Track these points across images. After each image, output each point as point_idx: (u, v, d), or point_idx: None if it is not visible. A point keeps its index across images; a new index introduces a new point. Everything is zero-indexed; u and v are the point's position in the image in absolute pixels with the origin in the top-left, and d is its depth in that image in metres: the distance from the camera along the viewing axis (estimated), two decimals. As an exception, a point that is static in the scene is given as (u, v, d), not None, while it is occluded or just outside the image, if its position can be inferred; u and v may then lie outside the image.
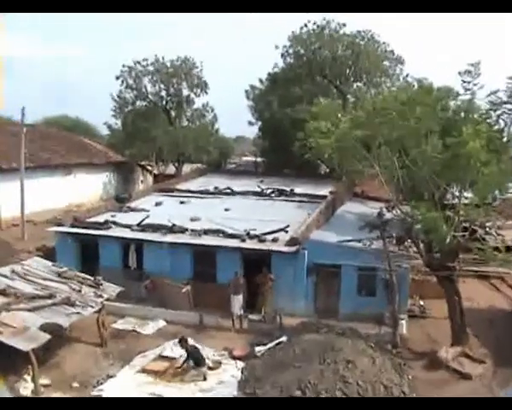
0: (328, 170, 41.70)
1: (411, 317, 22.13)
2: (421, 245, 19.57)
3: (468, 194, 18.18)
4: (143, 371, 17.95)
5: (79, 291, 19.72)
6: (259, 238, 23.22)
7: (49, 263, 21.99)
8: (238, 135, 72.86)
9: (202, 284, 22.84)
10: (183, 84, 48.63)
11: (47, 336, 16.51)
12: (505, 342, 19.65)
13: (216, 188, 35.03)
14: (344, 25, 42.56)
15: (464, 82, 17.99)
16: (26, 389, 16.14)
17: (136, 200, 31.83)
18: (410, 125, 17.32)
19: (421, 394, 15.77)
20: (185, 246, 23.39)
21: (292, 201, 31.86)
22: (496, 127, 18.38)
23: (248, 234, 23.55)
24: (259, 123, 48.03)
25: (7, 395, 15.51)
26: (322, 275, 22.40)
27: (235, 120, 57.02)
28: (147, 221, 25.70)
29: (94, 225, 25.48)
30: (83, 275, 21.21)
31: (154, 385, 17.02)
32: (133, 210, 28.97)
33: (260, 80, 47.95)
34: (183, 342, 18.10)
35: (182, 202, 31.39)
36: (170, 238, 23.76)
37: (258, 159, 52.84)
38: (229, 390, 16.22)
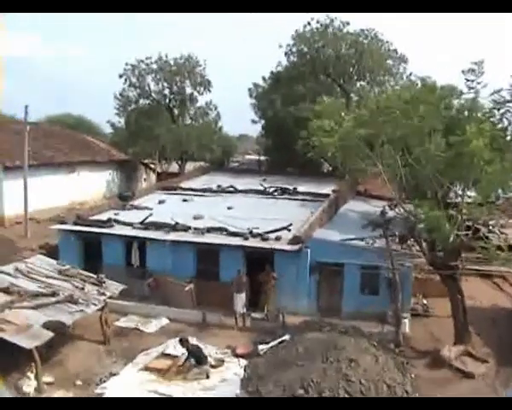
0: (331, 168, 41.75)
1: (414, 315, 22.12)
2: (424, 244, 19.55)
3: (472, 193, 18.15)
4: (146, 369, 17.98)
5: (82, 289, 19.77)
6: (262, 237, 23.24)
7: (53, 261, 22.05)
8: (241, 133, 72.96)
9: (205, 282, 22.86)
10: (187, 82, 48.68)
11: (50, 334, 16.57)
12: (508, 341, 19.63)
13: (219, 186, 35.04)
14: (347, 23, 42.58)
15: (468, 80, 17.96)
16: (29, 386, 16.16)
17: (139, 198, 31.86)
18: (413, 124, 17.30)
19: (424, 392, 15.76)
20: (188, 244, 23.41)
21: (295, 199, 31.85)
22: (499, 126, 18.35)
23: (251, 232, 23.57)
24: (262, 121, 47.98)
25: (7, 395, 15.51)
26: (324, 273, 22.40)
27: (239, 119, 57.15)
28: (150, 219, 25.71)
29: (97, 223, 25.53)
30: (86, 273, 21.27)
31: (157, 383, 17.04)
32: (136, 208, 29.00)
33: (263, 78, 47.90)
34: (183, 342, 18.11)
35: (185, 200, 31.41)
36: (173, 236, 23.79)
37: (262, 157, 52.84)
38: (232, 388, 16.21)
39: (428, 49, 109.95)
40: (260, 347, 18.70)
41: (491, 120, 18.24)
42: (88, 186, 41.07)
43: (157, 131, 45.12)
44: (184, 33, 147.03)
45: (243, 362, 17.93)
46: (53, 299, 18.38)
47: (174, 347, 19.10)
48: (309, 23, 42.84)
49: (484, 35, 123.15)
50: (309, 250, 22.12)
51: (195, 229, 24.36)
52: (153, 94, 48.97)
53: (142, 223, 25.26)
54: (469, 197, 18.15)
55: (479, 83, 17.88)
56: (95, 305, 19.20)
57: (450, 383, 17.17)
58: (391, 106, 18.07)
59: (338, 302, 22.28)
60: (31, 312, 17.36)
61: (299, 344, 16.88)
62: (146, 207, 28.82)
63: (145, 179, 50.14)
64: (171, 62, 47.95)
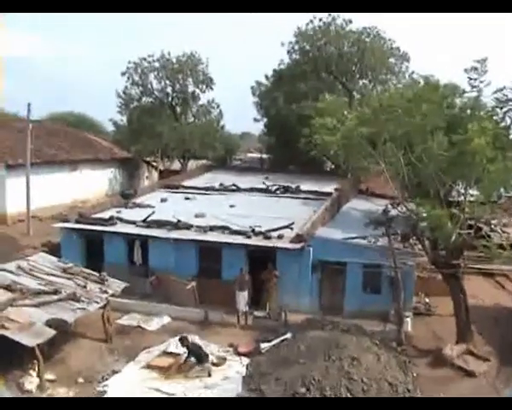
0: (333, 167, 41.78)
1: (416, 314, 22.10)
2: (427, 242, 19.53)
3: (474, 191, 18.13)
4: (148, 366, 17.99)
5: (84, 287, 19.77)
6: (265, 235, 23.23)
7: (55, 259, 22.07)
8: (244, 131, 72.91)
9: (207, 280, 22.85)
10: (189, 80, 48.72)
11: (52, 332, 16.59)
12: (510, 340, 19.59)
13: (221, 184, 35.05)
14: (350, 21, 42.56)
15: (470, 79, 17.94)
16: (31, 384, 16.19)
17: (141, 196, 31.86)
18: (415, 122, 17.28)
19: (426, 391, 15.81)
20: (190, 242, 23.41)
21: (297, 198, 31.85)
22: (502, 124, 18.33)
23: (253, 231, 23.55)
24: (265, 119, 48.02)
25: (8, 394, 15.54)
26: (327, 272, 22.38)
27: (241, 117, 57.16)
28: (152, 217, 25.71)
29: (99, 221, 25.52)
30: (88, 271, 21.27)
31: (159, 381, 17.04)
32: (138, 206, 29.00)
33: (266, 77, 47.90)
34: (183, 341, 18.11)
35: (187, 199, 31.42)
36: (175, 234, 23.77)
37: (264, 155, 52.84)
38: (234, 386, 16.25)
39: (429, 48, 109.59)
40: (262, 345, 18.71)
41: (494, 118, 18.22)
42: (90, 184, 41.18)
43: (159, 129, 45.16)
44: (185, 33, 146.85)
45: (245, 360, 18.00)
46: (55, 297, 18.38)
47: (176, 345, 19.05)
48: (311, 21, 42.88)
49: (484, 35, 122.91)
50: (311, 249, 22.11)
51: (198, 227, 24.36)
52: (155, 92, 49.07)
53: (144, 221, 25.27)
54: (472, 196, 18.14)
55: (481, 81, 17.89)
56: (97, 303, 19.21)
57: (451, 381, 17.15)
58: (393, 104, 18.06)
59: (340, 301, 22.27)
60: (33, 310, 17.38)
61: (300, 342, 16.93)
62: (148, 206, 28.81)
63: (147, 177, 50.21)
64: (174, 60, 48.01)
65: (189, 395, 16.09)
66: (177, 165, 50.49)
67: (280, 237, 23.10)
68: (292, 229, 23.99)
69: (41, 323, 16.70)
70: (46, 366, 16.82)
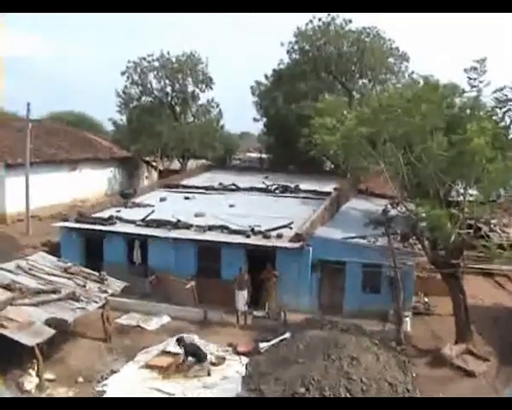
0: (333, 166, 41.79)
1: (416, 314, 22.11)
2: (426, 242, 19.54)
3: (473, 191, 18.13)
4: (147, 366, 17.99)
5: (84, 286, 19.77)
6: (264, 234, 23.23)
7: (54, 258, 22.07)
8: (243, 131, 72.92)
9: (207, 279, 22.85)
10: (189, 79, 48.73)
11: (52, 331, 16.59)
12: (509, 340, 19.61)
13: (221, 184, 35.07)
14: (350, 21, 42.62)
15: (470, 79, 17.94)
16: (30, 383, 16.19)
17: (140, 195, 31.85)
18: (415, 122, 17.29)
19: (425, 391, 15.81)
20: (190, 242, 23.40)
21: (297, 197, 31.88)
22: (501, 124, 18.33)
23: (253, 230, 23.55)
24: (264, 119, 48.04)
25: (7, 394, 15.54)
26: (326, 271, 22.38)
27: (240, 117, 57.15)
28: (151, 217, 25.73)
29: (99, 221, 25.50)
30: (87, 270, 21.27)
31: (158, 381, 17.04)
32: (138, 206, 29.00)
33: (266, 76, 47.91)
34: (179, 341, 18.07)
35: (186, 198, 31.40)
36: (174, 234, 23.77)
37: (263, 155, 52.85)
38: (233, 386, 16.25)
39: (428, 48, 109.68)
40: (261, 345, 18.72)
41: (494, 118, 18.21)
42: (90, 184, 41.19)
43: (159, 128, 45.16)
44: (184, 33, 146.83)
45: (245, 360, 18.00)
46: (54, 296, 18.38)
47: (175, 345, 19.11)
48: (311, 21, 42.91)
49: (484, 35, 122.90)
50: (311, 248, 22.11)
51: (197, 227, 24.36)
52: (155, 91, 49.11)
53: (143, 220, 25.28)
54: (471, 196, 18.15)
55: (481, 81, 17.89)
56: (96, 302, 19.21)
57: (451, 381, 17.15)
58: (393, 104, 18.07)
59: (339, 300, 22.27)
60: (32, 309, 17.37)
61: (300, 342, 16.94)
62: (148, 205, 28.80)
63: (147, 177, 50.23)
64: (173, 60, 48.02)
65: (189, 394, 16.09)
66: (176, 164, 50.48)
67: (279, 236, 23.10)
68: (291, 228, 24.00)
69: (40, 322, 16.68)
70: (45, 365, 16.81)
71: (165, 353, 18.83)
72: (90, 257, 24.30)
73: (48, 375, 16.81)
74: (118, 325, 21.20)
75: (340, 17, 42.50)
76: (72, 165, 39.91)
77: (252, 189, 33.81)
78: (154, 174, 49.50)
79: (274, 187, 33.93)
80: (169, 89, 49.12)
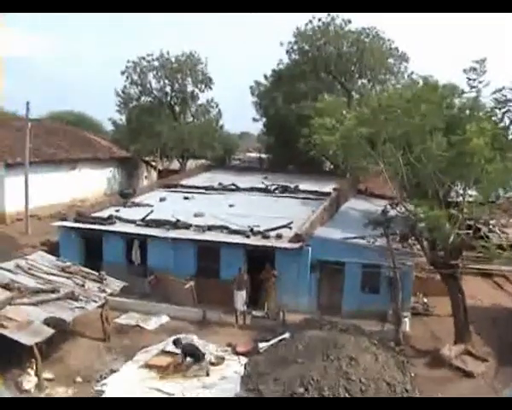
0: (332, 167, 41.81)
1: (415, 314, 22.12)
2: (425, 243, 19.54)
3: (473, 192, 18.14)
4: (146, 366, 17.99)
5: (83, 286, 19.78)
6: (263, 235, 23.24)
7: (53, 258, 22.08)
8: (243, 131, 72.93)
9: (206, 279, 22.85)
10: (188, 79, 48.72)
11: (51, 331, 16.59)
12: (508, 341, 19.62)
13: (220, 184, 35.07)
14: (349, 21, 42.60)
15: (469, 79, 17.94)
16: (29, 383, 16.17)
17: (140, 195, 31.85)
18: (414, 123, 17.29)
19: (424, 391, 15.79)
20: (189, 242, 23.40)
21: (296, 197, 31.87)
22: (501, 125, 18.33)
23: (252, 230, 23.55)
24: (264, 119, 48.03)
25: (6, 394, 15.53)
26: (325, 272, 22.39)
27: (240, 117, 57.24)
28: (151, 217, 25.72)
29: (98, 220, 25.50)
30: (86, 270, 21.28)
31: (157, 380, 17.06)
32: (137, 205, 29.01)
33: (265, 76, 47.90)
34: (177, 342, 18.08)
35: (186, 198, 31.40)
36: (174, 234, 23.77)
37: (263, 155, 52.83)
38: (232, 386, 16.24)
39: (428, 48, 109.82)
40: (260, 345, 18.72)
41: (493, 119, 18.21)
42: (89, 183, 41.16)
43: (158, 128, 45.15)
44: (184, 33, 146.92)
45: (243, 360, 17.98)
46: (53, 296, 18.38)
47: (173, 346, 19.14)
48: (310, 21, 42.90)
49: (484, 35, 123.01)
50: (310, 248, 22.12)
51: (196, 226, 24.36)
52: (154, 91, 49.12)
53: (143, 220, 25.28)
54: (470, 196, 18.15)
55: (480, 82, 17.89)
56: (95, 302, 19.22)
57: (450, 382, 17.17)
58: (392, 104, 18.07)
59: (338, 301, 22.28)
60: (31, 308, 17.38)
61: (299, 342, 16.90)
62: (147, 205, 28.81)
63: (146, 177, 50.21)
64: (173, 60, 48.01)
65: (187, 394, 16.10)
66: (176, 164, 50.48)
67: (279, 236, 23.11)
68: (291, 228, 24.01)
69: (39, 322, 16.69)
70: (44, 364, 16.82)
71: (164, 352, 18.83)
72: (90, 257, 24.30)
73: (47, 374, 16.81)
74: (117, 325, 21.20)
75: (340, 17, 42.57)
76: (71, 164, 39.87)
77: (251, 189, 33.82)
78: (154, 174, 49.49)
79: (273, 187, 33.94)
80: (168, 89, 49.14)
